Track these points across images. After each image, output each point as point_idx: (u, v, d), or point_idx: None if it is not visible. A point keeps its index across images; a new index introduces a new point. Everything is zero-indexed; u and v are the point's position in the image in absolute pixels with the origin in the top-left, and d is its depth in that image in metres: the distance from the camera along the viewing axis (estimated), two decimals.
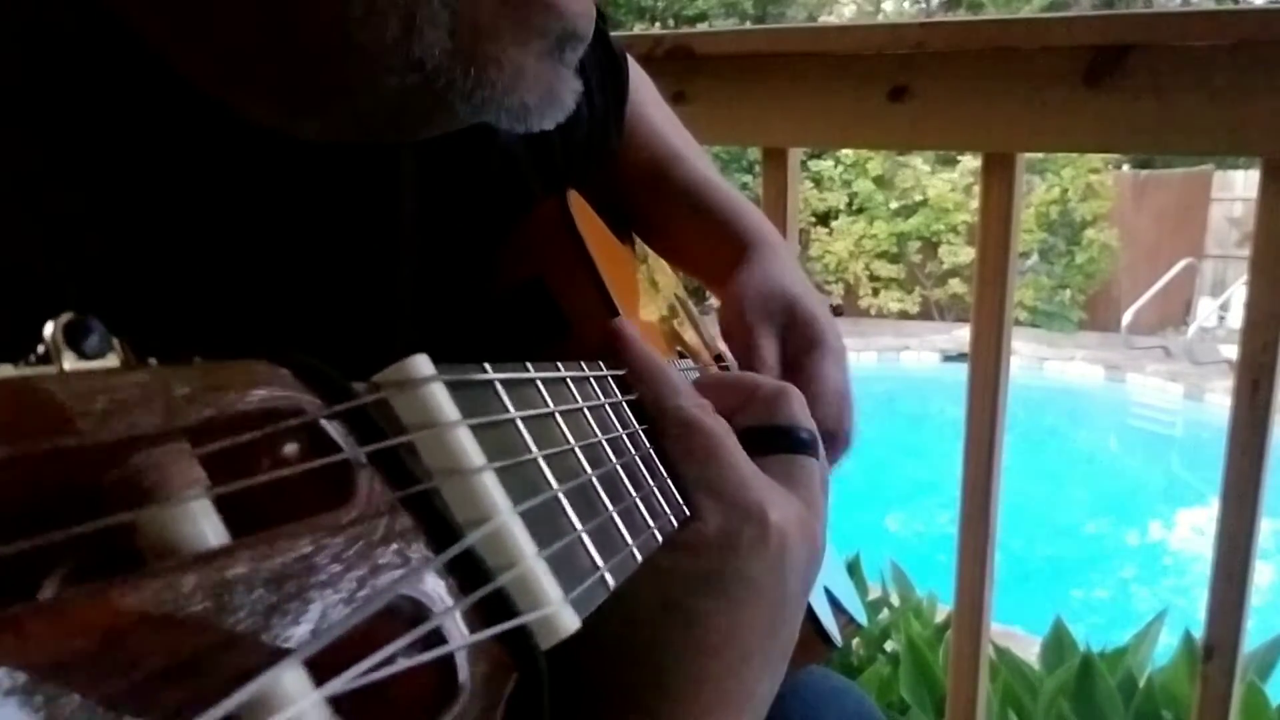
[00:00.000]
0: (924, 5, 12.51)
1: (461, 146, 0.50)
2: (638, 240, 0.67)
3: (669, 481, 0.35)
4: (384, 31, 0.35)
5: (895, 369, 7.59)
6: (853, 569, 2.16)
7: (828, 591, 0.52)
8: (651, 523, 0.32)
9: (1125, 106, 0.85)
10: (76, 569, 0.14)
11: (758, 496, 0.35)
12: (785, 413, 0.41)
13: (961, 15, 10.41)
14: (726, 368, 0.65)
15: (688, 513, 0.35)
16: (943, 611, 1.99)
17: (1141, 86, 0.84)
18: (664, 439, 0.36)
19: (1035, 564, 4.61)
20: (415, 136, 0.44)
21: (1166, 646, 1.90)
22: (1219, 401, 5.75)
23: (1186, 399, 6.59)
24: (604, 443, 0.31)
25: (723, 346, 0.64)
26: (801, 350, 0.58)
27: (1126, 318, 7.67)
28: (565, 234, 0.49)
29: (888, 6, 12.89)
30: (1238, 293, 7.14)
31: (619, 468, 0.31)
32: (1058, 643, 1.89)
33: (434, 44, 0.36)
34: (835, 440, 0.57)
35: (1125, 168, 8.85)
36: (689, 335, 0.65)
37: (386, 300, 0.47)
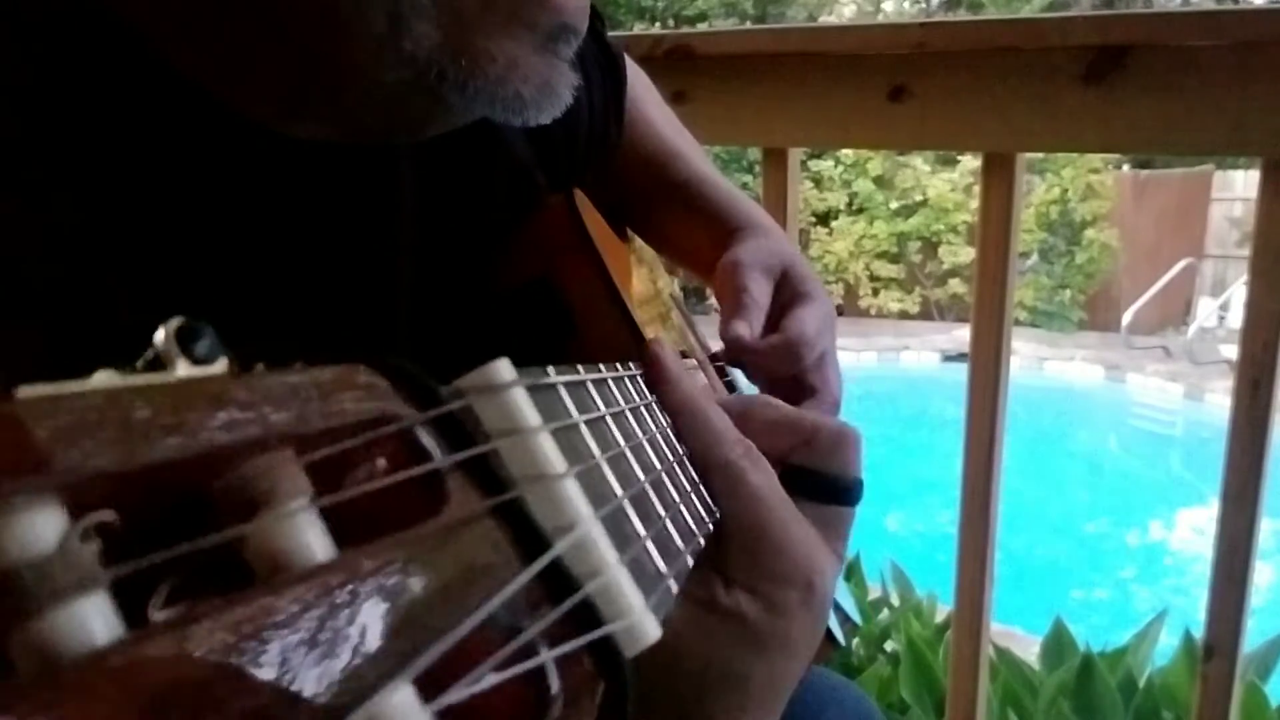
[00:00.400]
0: (924, 5, 12.51)
1: (466, 145, 0.50)
2: (634, 237, 0.67)
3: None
4: (371, 25, 0.35)
5: (895, 369, 7.59)
6: (853, 569, 2.16)
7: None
8: (696, 530, 0.32)
9: (1125, 106, 0.85)
10: (185, 580, 0.14)
11: (807, 561, 0.35)
12: (841, 461, 0.40)
13: (961, 15, 10.41)
14: (721, 367, 0.65)
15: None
16: (943, 611, 1.99)
17: (1141, 86, 0.84)
18: (708, 482, 0.35)
19: (1035, 564, 4.61)
20: (416, 136, 0.44)
21: (1166, 646, 1.90)
22: (1219, 401, 5.75)
23: (1186, 399, 6.58)
24: (646, 444, 0.31)
25: (716, 346, 0.64)
26: (792, 300, 0.58)
27: (1126, 318, 7.67)
28: (573, 232, 0.49)
29: (888, 6, 12.89)
30: (1238, 293, 7.14)
31: (663, 473, 0.31)
32: (1058, 643, 1.89)
33: (423, 36, 0.36)
34: (821, 396, 0.57)
35: (1125, 168, 8.85)
36: (685, 334, 0.65)
37: (388, 299, 0.47)
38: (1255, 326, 0.85)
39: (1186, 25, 0.84)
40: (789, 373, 0.55)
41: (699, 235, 0.66)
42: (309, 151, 0.42)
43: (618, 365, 0.34)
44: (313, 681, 0.13)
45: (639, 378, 0.36)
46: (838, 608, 0.54)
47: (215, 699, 0.12)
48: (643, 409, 0.33)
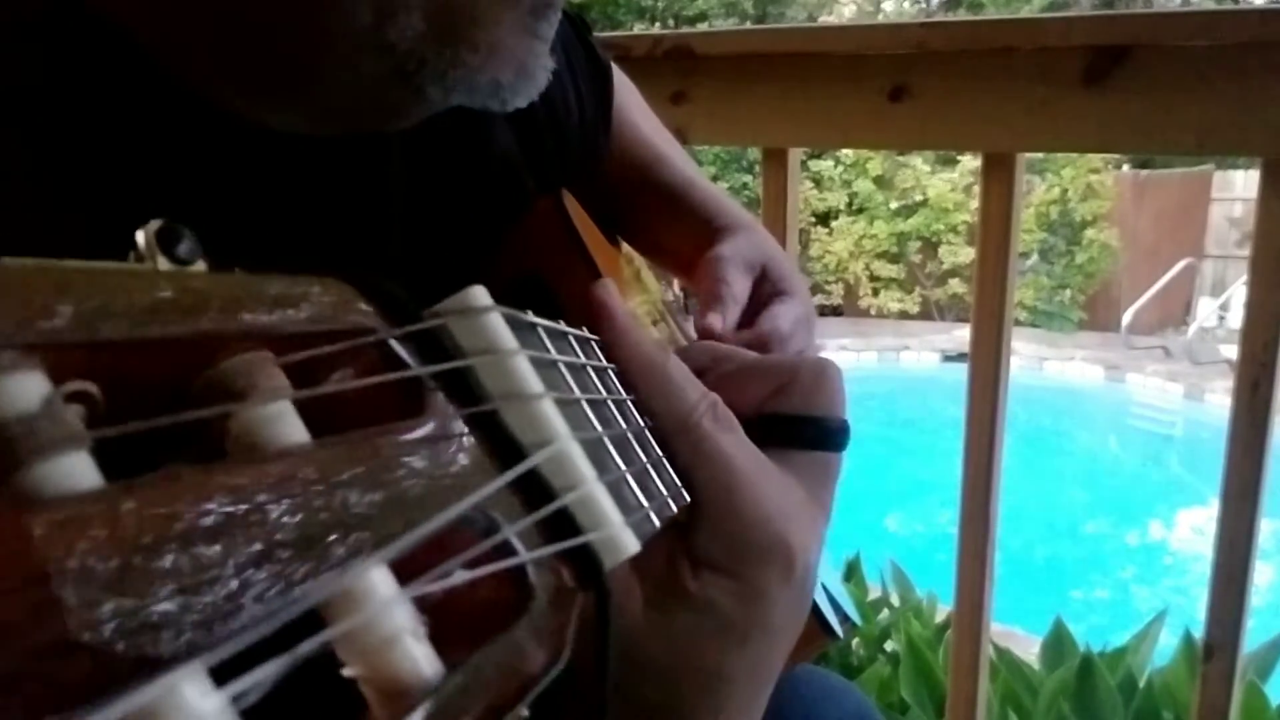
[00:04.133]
0: (924, 5, 12.52)
1: (454, 145, 0.50)
2: (623, 243, 0.68)
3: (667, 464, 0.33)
4: (356, 17, 0.35)
5: (895, 369, 7.59)
6: (853, 569, 2.16)
7: (824, 587, 0.52)
8: (671, 501, 0.30)
9: (1125, 106, 0.85)
10: (167, 459, 0.14)
11: (784, 533, 0.31)
12: (826, 400, 0.36)
13: (961, 15, 10.41)
14: None
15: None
16: (943, 611, 1.99)
17: (1141, 86, 0.84)
18: (672, 447, 0.31)
19: (1035, 564, 4.61)
20: (388, 127, 0.44)
21: (1166, 646, 1.90)
22: (1219, 401, 5.75)
23: (1186, 399, 6.59)
24: (630, 404, 0.31)
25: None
26: (770, 297, 0.58)
27: (1126, 318, 7.67)
28: (562, 229, 0.49)
29: (888, 6, 12.90)
30: (1238, 293, 7.15)
31: (643, 432, 0.31)
32: (1058, 643, 1.89)
33: (407, 27, 0.36)
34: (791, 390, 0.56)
35: (1125, 168, 8.85)
36: (677, 340, 0.65)
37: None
38: (1255, 326, 0.85)
39: (1186, 25, 0.84)
40: None
41: (685, 238, 0.66)
42: (298, 148, 0.42)
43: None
44: (284, 548, 0.14)
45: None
46: (836, 605, 0.54)
47: (193, 552, 0.12)
48: (609, 372, 0.32)
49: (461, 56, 0.37)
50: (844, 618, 0.56)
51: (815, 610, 0.49)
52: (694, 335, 0.69)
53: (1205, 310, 7.87)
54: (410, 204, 0.48)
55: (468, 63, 0.37)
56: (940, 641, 1.79)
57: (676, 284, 0.76)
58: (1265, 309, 0.85)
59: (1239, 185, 8.60)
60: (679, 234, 0.67)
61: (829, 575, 0.55)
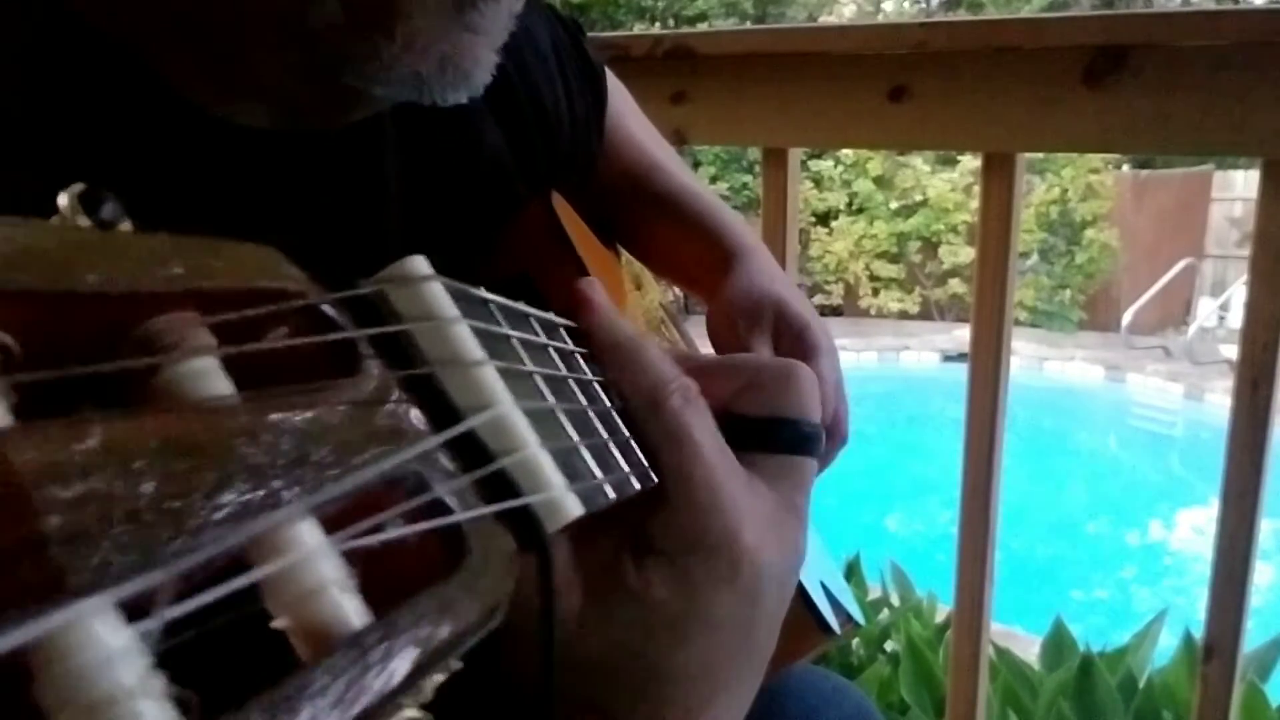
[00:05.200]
0: (924, 5, 12.52)
1: (446, 146, 0.50)
2: (622, 250, 0.68)
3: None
4: (276, 5, 0.36)
5: (895, 369, 7.59)
6: (853, 569, 2.16)
7: (824, 586, 0.52)
8: (633, 480, 0.30)
9: (1125, 106, 0.85)
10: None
11: (734, 532, 0.30)
12: (792, 402, 0.35)
13: (961, 15, 10.41)
14: None
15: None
16: (943, 611, 1.99)
17: (1141, 86, 0.84)
18: (642, 428, 0.31)
19: (1035, 564, 4.61)
20: (337, 122, 0.44)
21: (1166, 646, 1.90)
22: (1219, 401, 5.75)
23: (1186, 399, 6.59)
24: (597, 385, 0.31)
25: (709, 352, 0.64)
26: (794, 353, 0.58)
27: (1126, 318, 7.67)
28: (551, 232, 0.49)
29: (888, 6, 12.90)
30: (1238, 293, 7.15)
31: (592, 412, 0.30)
32: (1058, 642, 1.89)
33: (326, 15, 0.36)
34: (833, 437, 0.57)
35: (1125, 168, 8.85)
36: (677, 345, 0.65)
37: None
38: (1255, 326, 0.85)
39: (1186, 25, 0.84)
40: None
41: (683, 251, 0.66)
42: (290, 148, 0.42)
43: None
44: (193, 495, 0.14)
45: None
46: (837, 605, 0.54)
47: (100, 487, 0.12)
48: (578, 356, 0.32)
49: (378, 46, 0.36)
50: (846, 618, 0.56)
51: (813, 609, 0.49)
52: (694, 338, 0.69)
53: (1205, 310, 7.87)
54: (407, 206, 0.48)
55: (382, 52, 0.37)
56: (940, 641, 1.79)
57: (678, 289, 0.76)
58: (1265, 309, 0.85)
59: (1239, 185, 8.60)
60: (675, 243, 0.67)
61: (830, 574, 0.55)
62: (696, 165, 7.73)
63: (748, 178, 8.10)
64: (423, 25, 0.37)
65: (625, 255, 0.68)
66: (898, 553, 2.34)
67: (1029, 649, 1.99)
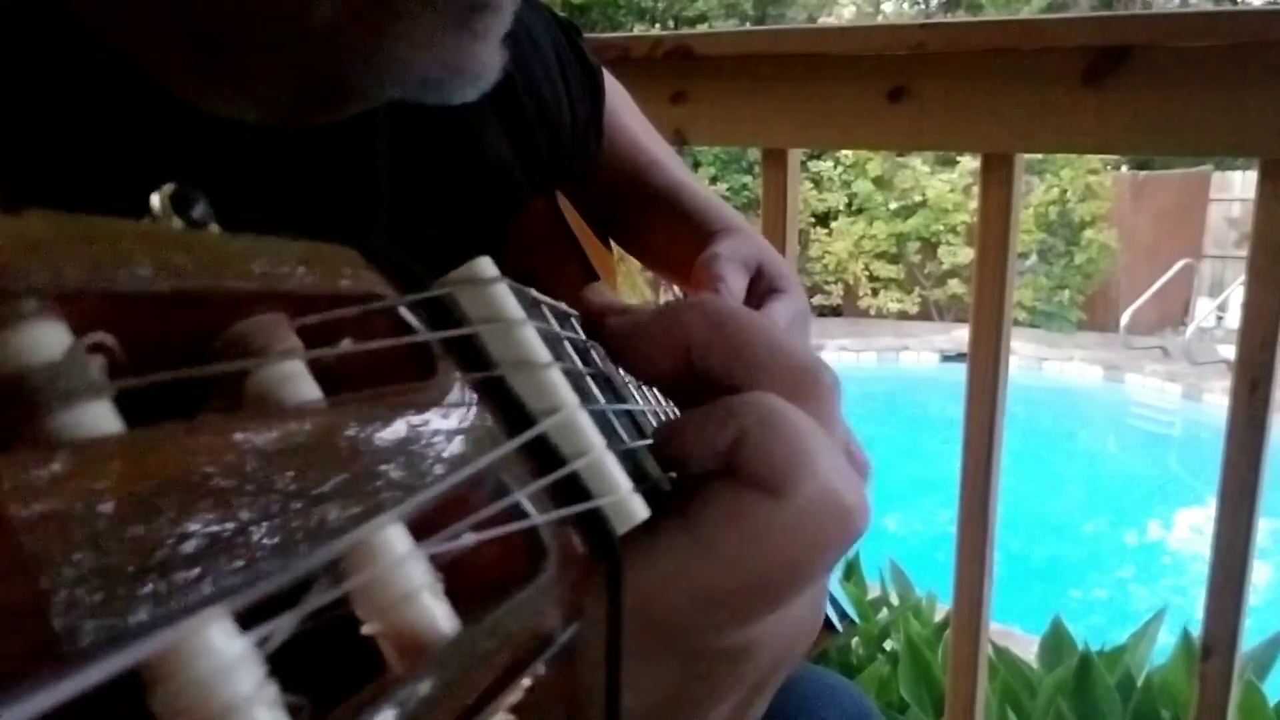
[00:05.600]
0: (923, 6, 12.52)
1: (448, 147, 0.50)
2: (617, 248, 0.68)
3: None
4: (279, 2, 0.36)
5: (894, 369, 7.59)
6: (852, 568, 2.16)
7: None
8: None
9: (1125, 107, 0.85)
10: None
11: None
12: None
13: (961, 16, 10.41)
14: None
15: None
16: (942, 611, 2.00)
17: (1141, 86, 0.84)
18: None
19: (1034, 563, 4.62)
20: (332, 117, 0.44)
21: (1165, 645, 1.90)
22: (1217, 401, 5.76)
23: (1185, 399, 6.59)
24: (645, 391, 0.31)
25: None
26: (765, 295, 0.58)
27: (1125, 318, 7.67)
28: (557, 230, 0.49)
29: (887, 7, 12.90)
30: (1236, 293, 7.15)
31: (646, 412, 0.31)
32: (1056, 642, 1.89)
33: (331, 13, 0.36)
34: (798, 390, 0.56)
35: (1124, 168, 8.86)
36: None
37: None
38: (1253, 326, 0.86)
39: (1185, 26, 0.84)
40: None
41: (679, 243, 0.66)
42: (281, 146, 0.42)
43: None
44: (298, 499, 0.14)
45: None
46: (833, 601, 0.54)
47: (214, 495, 0.12)
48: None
49: (383, 47, 0.37)
50: (842, 615, 0.57)
51: None
52: None
53: (1203, 310, 7.88)
54: (401, 205, 0.48)
55: (388, 53, 0.37)
56: (939, 640, 1.79)
57: (676, 286, 0.76)
58: (1263, 309, 0.85)
59: (1237, 186, 8.61)
60: (672, 239, 0.67)
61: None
62: (696, 166, 7.73)
63: (747, 178, 8.10)
64: (428, 30, 0.37)
65: (619, 252, 0.68)
66: (897, 552, 2.35)
67: (1028, 648, 1.99)
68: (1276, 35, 0.78)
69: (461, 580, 0.17)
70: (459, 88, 0.39)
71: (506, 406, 0.20)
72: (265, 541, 0.13)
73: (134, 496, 0.11)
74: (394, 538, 0.15)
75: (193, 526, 0.12)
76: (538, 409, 0.21)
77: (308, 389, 0.16)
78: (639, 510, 0.22)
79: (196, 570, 0.12)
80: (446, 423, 0.18)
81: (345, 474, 0.15)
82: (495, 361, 0.21)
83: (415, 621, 0.15)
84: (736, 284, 0.56)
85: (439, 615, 0.16)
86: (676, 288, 0.76)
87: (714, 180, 8.24)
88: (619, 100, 0.70)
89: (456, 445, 0.18)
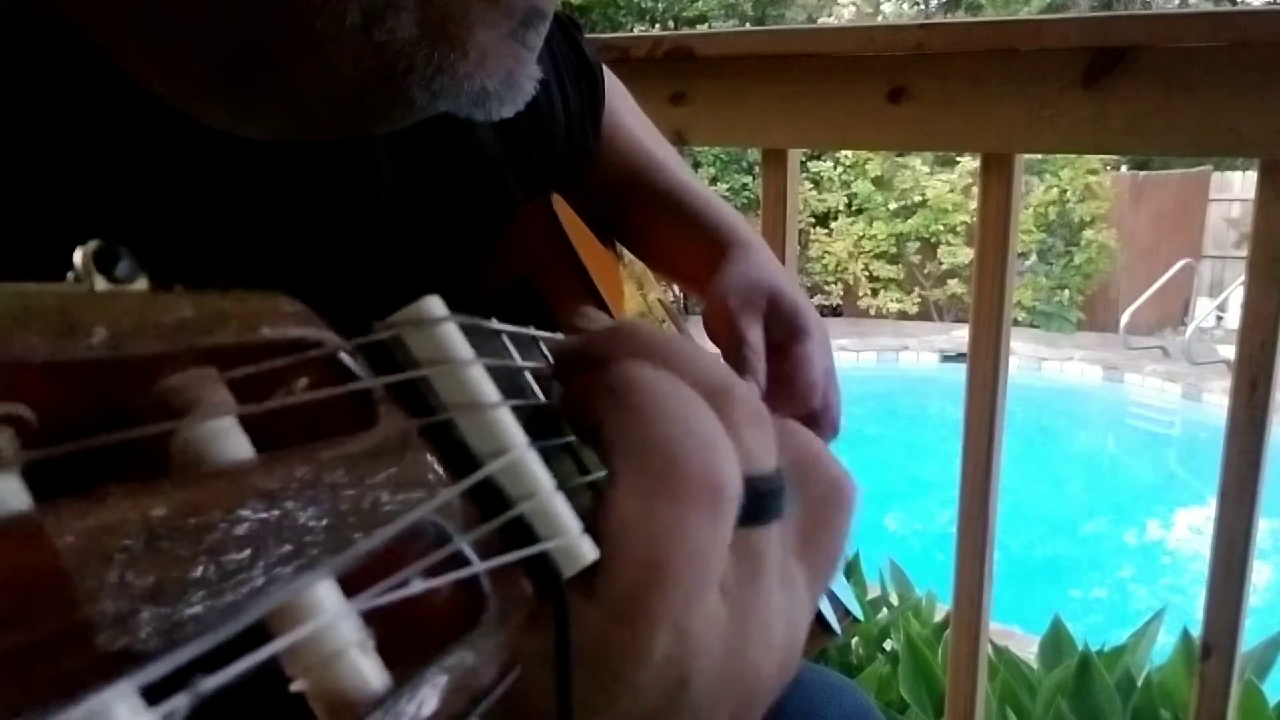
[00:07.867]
0: (923, 6, 12.52)
1: (440, 150, 0.50)
2: (621, 249, 0.68)
3: None
4: (344, 18, 0.35)
5: (894, 369, 7.59)
6: (852, 568, 2.16)
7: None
8: None
9: (1124, 107, 0.85)
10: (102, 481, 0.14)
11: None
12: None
13: (960, 16, 10.42)
14: None
15: None
16: (941, 610, 2.00)
17: (1141, 87, 0.84)
18: None
19: (1034, 563, 4.62)
20: (368, 132, 0.44)
21: (1164, 645, 1.90)
22: (1217, 401, 5.76)
23: (1184, 399, 6.59)
24: None
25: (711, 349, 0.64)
26: (785, 336, 0.58)
27: (1124, 318, 7.67)
28: (552, 235, 0.49)
29: (887, 8, 12.91)
30: (1235, 293, 7.15)
31: None
32: (1056, 641, 1.89)
33: (397, 29, 0.35)
34: (822, 421, 0.57)
35: (1123, 169, 8.86)
36: None
37: (365, 305, 0.47)
38: (1252, 327, 0.86)
39: (1185, 26, 0.84)
40: (799, 415, 0.55)
41: (683, 249, 0.66)
42: (284, 158, 0.42)
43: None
44: (224, 563, 0.13)
45: None
46: (836, 602, 0.54)
47: (120, 574, 0.12)
48: None
49: (451, 60, 0.36)
50: (844, 613, 0.57)
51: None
52: (695, 338, 0.69)
53: (1203, 310, 7.88)
54: (400, 210, 0.48)
55: (456, 67, 0.37)
56: (939, 640, 1.79)
57: (678, 288, 0.76)
58: (1262, 309, 0.85)
59: (1237, 186, 8.61)
60: (675, 241, 0.67)
61: None
62: (696, 166, 7.73)
63: (747, 179, 8.10)
64: (493, 42, 0.37)
65: (627, 255, 0.68)
66: (897, 552, 2.35)
67: (1027, 648, 1.99)
68: (1276, 35, 0.78)
69: (396, 633, 0.16)
70: (509, 101, 0.39)
71: (453, 451, 0.20)
72: (184, 611, 0.13)
73: (51, 572, 0.11)
74: (323, 594, 0.15)
75: (110, 602, 0.12)
76: (484, 451, 0.21)
77: (237, 446, 0.15)
78: (588, 552, 0.21)
79: (114, 643, 0.12)
80: (384, 472, 0.17)
81: (272, 536, 0.14)
82: (443, 405, 0.21)
83: (343, 680, 0.15)
84: (756, 339, 0.56)
85: (368, 673, 0.15)
86: (677, 288, 0.76)
87: (714, 180, 8.23)
88: (620, 100, 0.70)
89: (396, 493, 0.17)
